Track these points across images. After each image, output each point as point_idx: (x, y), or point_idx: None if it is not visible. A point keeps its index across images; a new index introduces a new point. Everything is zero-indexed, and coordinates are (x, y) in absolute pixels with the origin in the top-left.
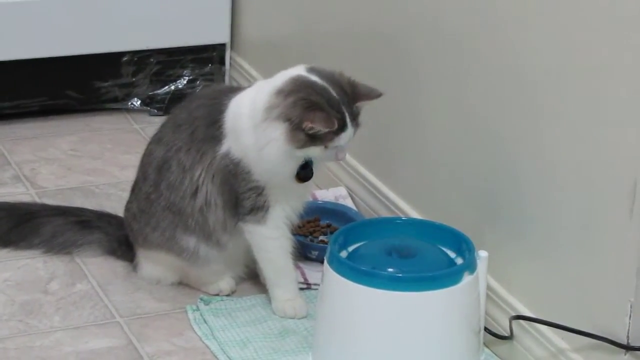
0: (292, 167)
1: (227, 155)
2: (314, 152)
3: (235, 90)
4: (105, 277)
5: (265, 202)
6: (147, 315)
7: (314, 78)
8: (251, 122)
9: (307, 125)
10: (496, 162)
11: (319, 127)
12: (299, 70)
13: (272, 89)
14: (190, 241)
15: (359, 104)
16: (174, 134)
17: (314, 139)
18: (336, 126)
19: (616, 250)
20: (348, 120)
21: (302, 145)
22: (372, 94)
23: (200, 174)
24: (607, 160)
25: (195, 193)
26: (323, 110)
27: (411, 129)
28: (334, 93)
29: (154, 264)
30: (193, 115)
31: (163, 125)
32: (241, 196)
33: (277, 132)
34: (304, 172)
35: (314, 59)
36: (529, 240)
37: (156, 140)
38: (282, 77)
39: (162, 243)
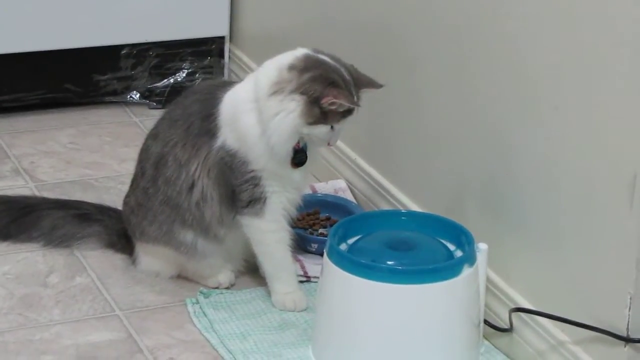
0: (292, 145)
1: (222, 147)
2: (320, 130)
3: (230, 84)
4: (104, 271)
5: (262, 193)
6: (146, 309)
7: (324, 57)
8: (252, 102)
9: (329, 100)
10: (496, 154)
11: (342, 102)
12: (306, 50)
13: (281, 65)
14: (187, 235)
15: (363, 90)
16: (170, 129)
17: (325, 117)
18: (358, 104)
19: (616, 242)
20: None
21: (314, 122)
22: (374, 84)
23: (195, 169)
24: (607, 152)
25: (191, 188)
26: (343, 87)
27: (411, 121)
28: (346, 75)
29: (152, 258)
30: (188, 110)
31: (159, 121)
32: (238, 189)
33: (293, 104)
34: (299, 157)
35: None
36: (528, 233)
37: (153, 135)
38: (290, 55)
39: (159, 237)
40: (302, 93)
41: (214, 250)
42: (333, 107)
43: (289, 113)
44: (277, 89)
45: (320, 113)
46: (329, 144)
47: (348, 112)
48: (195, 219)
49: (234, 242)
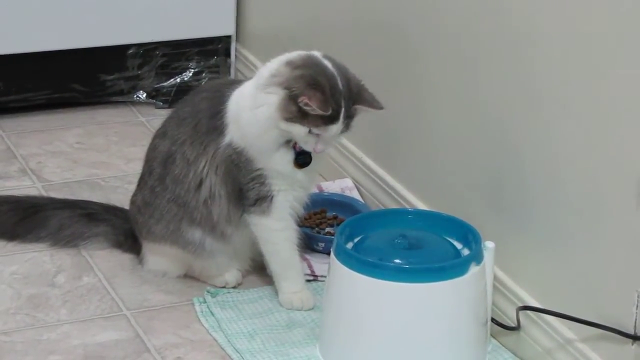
0: (272, 139)
1: (229, 145)
2: (297, 131)
3: (238, 83)
4: (111, 270)
5: (269, 191)
6: (154, 308)
7: (326, 62)
8: (253, 92)
9: (303, 100)
10: (502, 153)
11: (313, 106)
12: (314, 52)
13: (282, 60)
14: (195, 234)
15: (358, 106)
16: (178, 127)
17: (303, 117)
18: (329, 112)
19: (623, 240)
20: (342, 115)
21: (290, 119)
22: (374, 104)
23: (204, 166)
24: (613, 150)
25: (199, 185)
26: (324, 93)
27: (417, 120)
28: (339, 84)
29: (158, 257)
30: (196, 108)
31: (167, 120)
32: (245, 187)
33: (273, 97)
34: (302, 158)
35: (320, 51)
36: (535, 231)
37: (161, 134)
38: (296, 53)
39: (166, 236)
40: (285, 87)
41: (221, 249)
42: (308, 108)
43: (268, 105)
44: (270, 81)
45: (297, 111)
46: (314, 149)
47: (330, 120)
48: (203, 217)
49: (241, 241)
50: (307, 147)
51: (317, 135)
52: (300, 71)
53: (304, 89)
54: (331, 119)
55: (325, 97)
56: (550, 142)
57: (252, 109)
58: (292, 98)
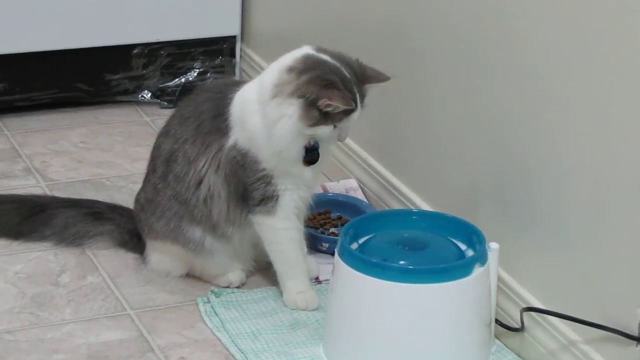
0: (299, 147)
1: (234, 147)
2: (323, 131)
3: (241, 84)
4: (116, 270)
5: (274, 191)
6: (158, 308)
7: (324, 57)
8: (258, 103)
9: (325, 102)
10: (507, 154)
11: (337, 104)
12: (307, 50)
13: (282, 66)
14: (196, 232)
15: (367, 85)
16: (181, 126)
17: (326, 117)
18: (354, 105)
19: (627, 242)
20: (359, 100)
21: (314, 123)
22: (380, 77)
23: (204, 165)
24: (617, 152)
25: (199, 184)
26: (339, 88)
27: (421, 120)
28: (346, 72)
29: (161, 255)
30: (199, 108)
31: (170, 119)
32: (250, 187)
33: (291, 109)
34: (311, 155)
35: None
36: (539, 232)
37: (164, 133)
38: (291, 56)
39: (167, 233)
40: (299, 96)
41: (221, 248)
42: (330, 109)
43: (288, 118)
44: (277, 92)
45: (319, 114)
46: (339, 140)
47: (350, 110)
48: (203, 215)
49: (242, 241)
50: (332, 141)
51: (341, 127)
52: (306, 75)
53: (320, 92)
54: (352, 109)
55: (342, 92)
56: (554, 144)
57: (268, 125)
58: (310, 104)
